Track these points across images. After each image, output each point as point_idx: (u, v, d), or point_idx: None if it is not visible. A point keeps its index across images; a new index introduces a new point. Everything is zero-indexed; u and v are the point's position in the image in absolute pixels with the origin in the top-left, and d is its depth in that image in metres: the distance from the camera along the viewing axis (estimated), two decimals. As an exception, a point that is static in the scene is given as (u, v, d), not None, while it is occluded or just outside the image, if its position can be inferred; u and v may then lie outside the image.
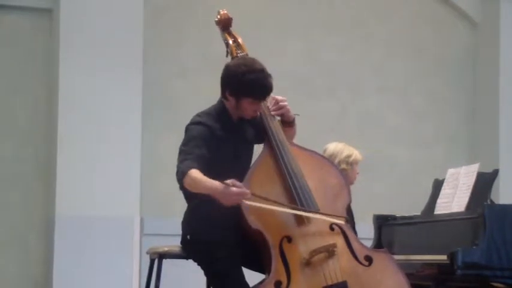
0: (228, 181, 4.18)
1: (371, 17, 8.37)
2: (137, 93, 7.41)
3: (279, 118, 4.70)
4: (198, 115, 4.54)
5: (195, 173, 4.24)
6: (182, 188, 4.33)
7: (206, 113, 4.54)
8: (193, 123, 4.49)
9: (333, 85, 8.21)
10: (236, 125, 4.55)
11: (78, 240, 7.09)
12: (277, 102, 4.65)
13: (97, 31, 7.29)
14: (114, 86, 7.32)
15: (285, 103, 4.66)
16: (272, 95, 4.62)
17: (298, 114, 4.71)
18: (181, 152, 4.39)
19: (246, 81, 4.41)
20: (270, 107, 4.64)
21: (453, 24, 8.61)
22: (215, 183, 4.19)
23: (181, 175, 4.26)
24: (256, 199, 4.25)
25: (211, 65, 7.52)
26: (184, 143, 4.42)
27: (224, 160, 4.42)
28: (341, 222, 4.42)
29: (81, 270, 7.08)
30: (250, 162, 4.57)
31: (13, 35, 7.47)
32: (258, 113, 4.58)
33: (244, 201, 4.22)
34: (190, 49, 7.82)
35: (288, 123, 4.70)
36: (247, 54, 4.77)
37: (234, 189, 4.17)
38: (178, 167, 4.31)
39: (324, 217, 4.39)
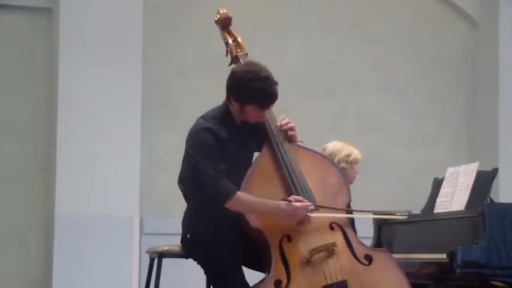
0: (290, 197, 4.29)
1: (371, 17, 8.37)
2: (137, 93, 7.41)
3: None
4: (204, 118, 4.51)
5: (245, 195, 4.32)
6: (221, 206, 4.33)
7: (211, 117, 4.51)
8: (203, 128, 4.45)
9: (333, 85, 8.21)
10: (239, 129, 4.54)
11: (78, 240, 7.10)
12: (288, 122, 4.64)
13: (97, 31, 7.30)
14: (114, 86, 7.32)
15: (294, 131, 4.65)
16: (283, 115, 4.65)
17: (302, 141, 4.70)
18: (203, 164, 4.36)
19: (251, 89, 4.40)
20: (278, 125, 4.62)
21: (453, 23, 8.61)
22: (276, 202, 4.30)
23: (226, 197, 4.30)
24: (320, 211, 4.36)
25: (210, 65, 7.55)
26: (203, 153, 4.39)
27: (226, 162, 4.41)
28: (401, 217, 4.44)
29: (81, 269, 7.08)
30: (249, 166, 4.56)
31: (13, 35, 7.47)
32: (262, 120, 4.58)
33: (309, 214, 4.31)
34: (190, 49, 7.82)
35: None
36: (246, 54, 4.77)
37: (298, 204, 4.28)
38: (215, 186, 4.31)
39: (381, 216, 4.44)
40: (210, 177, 4.32)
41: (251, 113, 4.47)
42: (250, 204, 4.31)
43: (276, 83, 4.46)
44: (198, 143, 4.42)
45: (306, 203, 4.30)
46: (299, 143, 4.67)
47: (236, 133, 4.51)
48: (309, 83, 8.13)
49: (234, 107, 4.49)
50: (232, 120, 4.53)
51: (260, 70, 4.46)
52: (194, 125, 4.50)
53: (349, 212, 4.57)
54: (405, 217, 4.56)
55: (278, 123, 4.63)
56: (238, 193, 4.30)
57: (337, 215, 4.42)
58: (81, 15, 7.28)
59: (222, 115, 4.52)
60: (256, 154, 4.67)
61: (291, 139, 4.62)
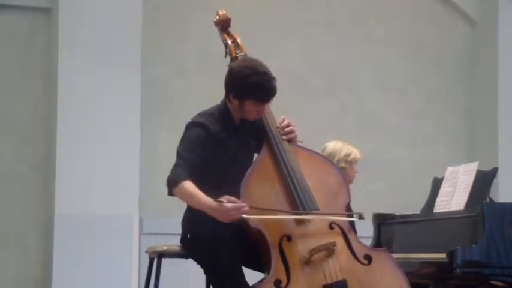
0: (222, 198, 4.20)
1: (370, 17, 8.37)
2: (136, 93, 7.41)
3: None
4: (200, 115, 4.54)
5: (188, 186, 4.28)
6: (170, 194, 4.36)
7: (208, 114, 4.53)
8: (192, 123, 4.49)
9: (332, 84, 8.21)
10: (238, 127, 4.55)
11: (77, 240, 7.09)
12: (288, 125, 4.63)
13: (96, 31, 7.30)
14: (113, 86, 7.32)
15: (295, 133, 4.64)
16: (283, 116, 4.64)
17: (301, 142, 4.70)
18: (177, 153, 4.41)
19: (249, 84, 4.41)
20: (278, 127, 4.61)
21: (452, 23, 8.61)
22: (208, 201, 4.23)
23: (172, 184, 4.32)
24: (254, 210, 4.26)
25: (210, 65, 7.55)
26: (180, 145, 4.44)
27: (223, 162, 4.42)
28: (348, 219, 4.45)
29: (80, 269, 7.08)
30: (249, 165, 4.55)
31: (12, 35, 7.47)
32: (262, 116, 4.58)
33: (243, 215, 4.24)
34: (190, 49, 7.82)
35: None
36: (246, 55, 4.76)
37: (229, 205, 4.20)
38: (170, 173, 4.34)
39: (323, 217, 4.40)
40: (174, 165, 4.35)
41: (250, 109, 4.47)
42: (189, 195, 4.29)
43: (274, 78, 4.47)
44: (184, 135, 4.47)
45: (239, 204, 4.22)
46: (299, 143, 4.67)
47: (235, 132, 4.51)
48: (309, 83, 8.13)
49: (233, 104, 4.49)
50: (231, 119, 4.53)
51: (258, 65, 4.47)
52: (189, 121, 4.54)
53: (295, 213, 4.47)
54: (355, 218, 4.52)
55: (278, 125, 4.62)
56: (185, 182, 4.27)
57: (272, 216, 4.31)
58: (80, 15, 7.28)
59: (220, 113, 4.53)
60: (255, 154, 4.67)
61: (290, 140, 4.62)
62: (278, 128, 4.61)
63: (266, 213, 4.29)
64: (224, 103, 4.55)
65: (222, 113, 4.53)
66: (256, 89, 4.42)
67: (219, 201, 4.19)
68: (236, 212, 4.21)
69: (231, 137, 4.49)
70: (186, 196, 4.31)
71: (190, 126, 4.48)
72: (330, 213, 4.45)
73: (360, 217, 4.46)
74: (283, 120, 4.64)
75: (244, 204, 4.23)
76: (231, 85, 4.49)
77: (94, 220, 7.12)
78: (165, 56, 7.76)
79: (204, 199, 4.25)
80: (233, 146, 4.49)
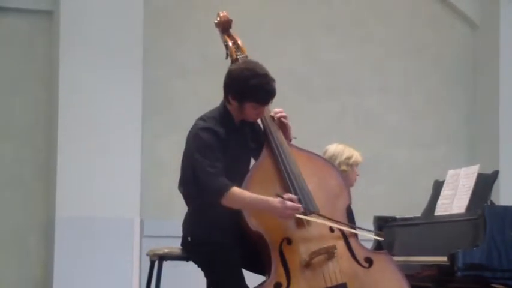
0: (284, 196, 4.27)
1: (370, 17, 8.37)
2: (137, 94, 7.41)
3: None
4: (202, 119, 4.52)
5: (238, 190, 4.31)
6: (217, 202, 4.33)
7: (210, 117, 4.52)
8: (202, 128, 4.46)
9: (333, 85, 8.21)
10: (238, 128, 4.55)
11: (78, 242, 7.09)
12: (283, 116, 4.64)
13: (97, 32, 7.29)
14: (114, 87, 7.32)
15: (287, 120, 4.66)
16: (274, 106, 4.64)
17: (295, 138, 4.71)
18: (201, 162, 4.36)
19: (248, 86, 4.41)
20: (272, 116, 4.63)
21: (453, 24, 8.60)
22: (269, 198, 4.28)
23: (221, 193, 4.30)
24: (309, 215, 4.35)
25: (211, 65, 7.55)
26: (201, 152, 4.39)
27: (226, 163, 4.40)
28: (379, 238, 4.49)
29: (81, 271, 7.08)
30: (248, 166, 4.57)
31: (13, 37, 7.48)
32: (261, 117, 4.58)
33: (296, 215, 4.30)
34: (190, 50, 7.82)
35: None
36: (246, 56, 4.76)
37: (289, 203, 4.26)
38: (210, 183, 4.31)
39: (365, 232, 4.45)
40: (207, 175, 4.33)
41: (250, 111, 4.47)
42: (244, 199, 4.30)
43: (273, 80, 4.47)
44: (197, 143, 4.43)
45: (297, 204, 4.28)
46: (293, 139, 4.67)
47: (235, 133, 4.52)
48: (309, 84, 8.13)
49: (233, 105, 4.49)
50: (231, 119, 4.53)
51: (257, 67, 4.47)
52: (193, 127, 4.52)
53: (351, 220, 4.53)
54: (380, 238, 4.56)
55: (273, 114, 4.63)
56: (234, 188, 4.29)
57: (320, 220, 4.37)
58: (81, 17, 7.28)
59: (221, 115, 4.53)
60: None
61: (284, 128, 4.62)
62: (272, 116, 4.61)
63: (315, 218, 4.36)
64: (223, 105, 4.55)
65: (222, 115, 4.52)
66: (255, 91, 4.42)
67: (281, 197, 4.27)
68: (291, 211, 4.28)
69: (232, 138, 4.50)
70: (240, 200, 4.32)
71: (200, 132, 4.44)
72: (363, 229, 4.48)
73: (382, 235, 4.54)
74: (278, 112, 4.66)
75: (299, 205, 4.29)
76: (230, 87, 4.49)
77: (95, 222, 7.12)
78: (166, 57, 7.76)
79: (264, 197, 4.30)
80: (234, 147, 4.49)
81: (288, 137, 4.67)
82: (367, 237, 5.38)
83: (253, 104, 4.45)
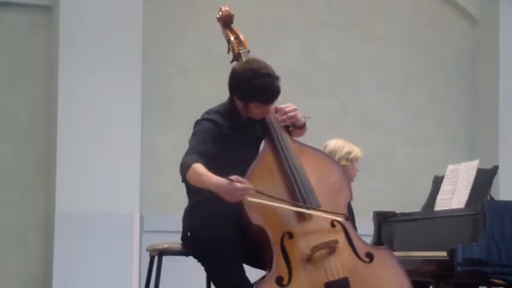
0: (232, 177, 4.18)
1: (370, 16, 8.38)
2: (137, 91, 7.41)
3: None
4: (207, 112, 4.55)
5: (200, 168, 4.25)
6: (184, 180, 4.33)
7: (215, 111, 4.54)
8: (201, 119, 4.50)
9: (332, 83, 8.22)
10: (245, 124, 4.54)
11: (78, 238, 7.10)
12: (284, 112, 4.63)
13: (97, 29, 7.30)
14: (114, 84, 7.32)
15: (293, 112, 4.63)
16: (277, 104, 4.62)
17: (309, 117, 4.69)
18: (189, 145, 4.40)
19: (252, 87, 4.41)
20: (278, 118, 4.62)
21: (453, 22, 8.61)
22: (219, 179, 4.20)
23: (185, 168, 4.27)
24: (259, 196, 4.25)
25: (210, 63, 7.55)
26: (193, 137, 4.44)
27: (230, 158, 4.40)
28: (339, 219, 4.42)
29: (81, 267, 7.08)
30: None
31: (12, 33, 7.47)
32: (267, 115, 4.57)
33: (246, 197, 4.22)
34: (190, 48, 7.83)
35: (299, 127, 4.70)
36: (248, 51, 4.76)
37: (238, 185, 4.17)
38: (183, 159, 4.32)
39: (324, 214, 4.39)
40: (185, 154, 4.34)
41: (255, 110, 4.48)
42: (202, 175, 4.22)
43: (277, 78, 4.47)
44: (195, 130, 4.46)
45: (247, 185, 4.19)
46: (307, 119, 4.65)
47: (241, 128, 4.52)
48: (309, 82, 8.13)
49: (238, 104, 4.51)
50: (238, 115, 4.53)
51: (260, 67, 4.46)
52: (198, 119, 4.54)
53: (296, 205, 4.46)
54: (340, 219, 4.49)
55: (278, 116, 4.61)
56: (197, 164, 4.24)
57: (274, 203, 4.29)
58: (81, 13, 7.28)
59: (227, 111, 4.53)
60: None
61: (296, 124, 4.62)
62: (278, 114, 4.59)
63: (269, 201, 4.27)
64: (231, 101, 4.55)
65: (228, 111, 4.53)
66: (259, 92, 4.42)
67: (229, 179, 4.18)
68: (242, 192, 4.19)
69: (238, 133, 4.50)
70: (196, 176, 4.25)
71: (200, 121, 4.49)
72: (331, 212, 4.43)
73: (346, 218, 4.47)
74: (288, 107, 4.63)
75: (251, 187, 4.21)
76: (234, 87, 4.49)
77: (94, 218, 7.12)
78: (166, 55, 7.76)
79: (215, 177, 4.22)
80: (240, 142, 4.49)
81: (299, 124, 4.66)
82: (368, 232, 5.41)
83: (258, 104, 4.45)
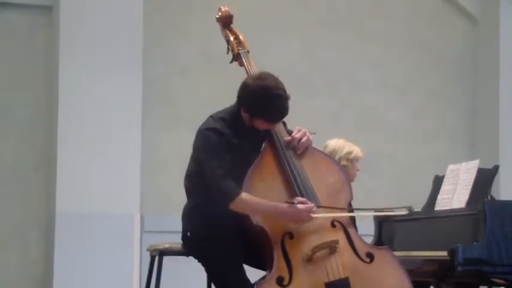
0: (294, 200, 4.26)
1: (370, 15, 8.37)
2: (137, 91, 7.41)
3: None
4: (212, 118, 4.50)
5: (247, 196, 4.29)
6: (226, 208, 4.31)
7: (220, 118, 4.49)
8: (207, 128, 4.44)
9: (332, 82, 8.21)
10: (249, 131, 4.52)
11: (78, 238, 7.09)
12: (299, 141, 4.57)
13: (97, 29, 7.29)
14: (114, 84, 7.32)
15: (305, 138, 4.59)
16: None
17: (314, 133, 4.68)
18: (209, 164, 4.35)
19: (262, 105, 4.38)
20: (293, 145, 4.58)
21: (453, 22, 8.61)
22: (278, 205, 4.28)
23: (231, 198, 4.28)
24: (321, 210, 4.34)
25: (211, 63, 7.55)
26: (207, 153, 4.38)
27: (234, 164, 4.38)
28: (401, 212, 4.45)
29: (81, 267, 7.08)
30: None
31: (13, 33, 7.47)
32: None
33: (312, 215, 4.29)
34: (190, 48, 7.82)
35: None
36: (248, 51, 4.75)
37: (301, 207, 4.25)
38: (219, 187, 4.29)
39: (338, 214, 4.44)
40: (215, 178, 4.31)
41: (260, 125, 4.47)
42: (253, 205, 4.30)
43: (287, 99, 4.42)
44: (203, 143, 4.42)
45: (309, 205, 4.28)
46: (312, 135, 4.66)
47: (245, 135, 4.49)
48: (309, 81, 8.13)
49: (244, 115, 4.48)
50: (243, 122, 4.50)
51: (273, 86, 4.39)
52: (201, 125, 4.50)
53: (351, 210, 4.55)
54: (405, 212, 4.56)
55: (293, 136, 4.58)
56: (243, 194, 4.28)
57: (339, 214, 4.41)
58: (81, 13, 7.28)
59: (232, 117, 4.50)
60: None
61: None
62: (290, 141, 4.55)
63: (333, 211, 4.38)
64: (237, 107, 4.51)
65: (233, 118, 4.49)
66: (267, 112, 4.40)
67: (291, 203, 4.25)
68: (307, 213, 4.26)
69: (242, 140, 4.47)
70: (249, 207, 4.31)
71: (206, 132, 4.43)
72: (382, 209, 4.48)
73: (410, 210, 4.51)
74: (298, 132, 4.59)
75: (313, 205, 4.28)
76: (244, 101, 4.44)
77: (95, 218, 7.12)
78: (166, 55, 7.76)
79: (273, 204, 4.29)
80: (244, 149, 4.47)
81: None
82: (368, 232, 5.41)
83: (264, 121, 4.44)
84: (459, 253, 4.79)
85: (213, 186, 4.33)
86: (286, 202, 4.29)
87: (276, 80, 4.44)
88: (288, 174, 4.45)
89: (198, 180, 4.44)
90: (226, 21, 4.85)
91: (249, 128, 4.51)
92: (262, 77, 4.46)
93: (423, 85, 8.47)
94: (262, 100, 4.37)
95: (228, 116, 4.50)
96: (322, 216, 4.37)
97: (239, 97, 4.47)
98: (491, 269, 4.86)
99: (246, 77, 4.55)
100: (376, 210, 4.62)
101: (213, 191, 4.33)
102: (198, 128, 4.51)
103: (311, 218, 4.29)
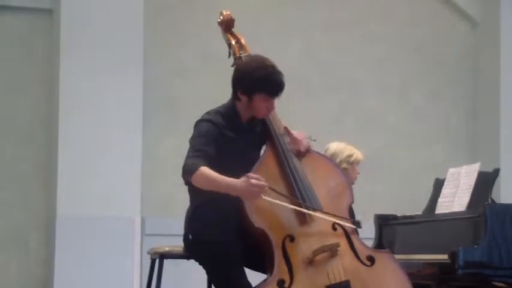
0: (247, 174, 4.19)
1: (371, 17, 8.37)
2: (138, 94, 7.41)
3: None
4: (208, 113, 4.52)
5: (207, 170, 4.24)
6: (188, 183, 4.32)
7: (216, 111, 4.51)
8: (202, 120, 4.48)
9: (333, 84, 8.21)
10: (245, 126, 4.53)
11: (79, 241, 7.09)
12: (299, 142, 4.60)
13: (97, 31, 7.30)
14: (115, 86, 7.33)
15: (305, 141, 4.61)
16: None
17: (314, 140, 4.69)
18: (190, 147, 4.39)
19: (257, 77, 4.40)
20: (289, 142, 4.59)
21: (453, 24, 8.61)
22: (232, 179, 4.21)
23: (190, 172, 4.25)
24: (272, 194, 4.25)
25: (211, 65, 7.55)
26: (193, 139, 4.42)
27: (230, 160, 4.39)
28: (352, 226, 4.44)
29: (82, 270, 7.08)
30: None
31: (13, 36, 7.48)
32: (271, 112, 4.56)
33: (262, 195, 4.21)
34: (191, 49, 7.82)
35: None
36: (249, 55, 4.75)
37: (254, 181, 4.17)
38: (186, 162, 4.30)
39: (337, 220, 4.39)
40: (186, 157, 4.32)
41: (260, 105, 4.45)
42: (212, 177, 4.23)
43: (281, 73, 4.46)
44: (195, 132, 4.45)
45: (263, 182, 4.19)
46: (311, 141, 4.65)
47: (241, 130, 4.50)
48: (309, 83, 8.13)
49: (242, 101, 4.47)
50: (239, 118, 4.51)
51: (264, 60, 4.47)
52: (198, 119, 4.53)
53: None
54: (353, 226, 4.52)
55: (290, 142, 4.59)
56: (202, 167, 4.24)
57: (287, 204, 4.31)
58: (82, 16, 7.28)
59: (227, 112, 4.51)
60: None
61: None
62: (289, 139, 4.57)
63: (281, 199, 4.29)
64: (232, 103, 4.53)
65: (228, 112, 4.51)
66: (264, 82, 4.40)
67: (246, 176, 4.19)
68: (258, 188, 4.18)
69: (238, 136, 4.48)
70: (206, 179, 4.24)
71: (200, 122, 4.47)
72: (338, 216, 4.43)
73: (358, 226, 4.48)
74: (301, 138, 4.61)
75: (266, 184, 4.21)
76: (238, 81, 4.47)
77: (95, 221, 7.12)
78: (167, 56, 7.76)
79: (226, 178, 4.23)
80: (241, 145, 4.48)
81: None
82: (369, 235, 5.41)
83: (263, 95, 4.43)
84: (460, 256, 4.80)
85: (183, 164, 4.30)
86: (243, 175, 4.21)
87: (267, 58, 4.50)
88: (289, 178, 4.45)
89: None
90: (227, 25, 4.85)
91: (246, 123, 4.52)
92: (251, 56, 4.58)
93: (424, 87, 8.47)
94: (257, 71, 4.40)
95: (223, 110, 4.52)
96: (312, 213, 4.35)
97: (234, 80, 4.48)
98: (492, 272, 4.86)
99: (237, 62, 4.59)
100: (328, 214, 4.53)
101: (182, 168, 4.31)
102: None
103: (259, 196, 4.19)
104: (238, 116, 4.51)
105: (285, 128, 4.63)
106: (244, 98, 4.46)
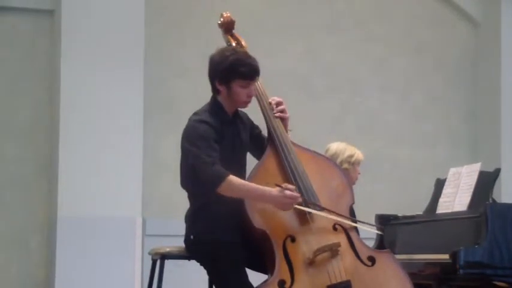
0: (283, 185, 4.27)
1: (372, 16, 8.37)
2: (138, 94, 7.41)
3: None
4: (195, 114, 4.53)
5: (235, 179, 4.29)
6: (214, 192, 4.30)
7: (203, 111, 4.53)
8: (195, 120, 4.46)
9: (333, 85, 8.21)
10: (232, 120, 4.55)
11: (80, 241, 7.09)
12: (279, 103, 4.65)
13: (98, 32, 7.30)
14: (116, 87, 7.33)
15: (286, 112, 4.66)
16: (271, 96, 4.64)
17: (291, 130, 4.71)
18: (196, 153, 4.35)
19: (231, 62, 4.42)
20: (270, 102, 4.65)
21: (454, 24, 8.61)
22: (267, 188, 4.28)
23: (219, 181, 4.26)
24: (310, 206, 4.35)
25: (212, 65, 7.53)
26: (195, 143, 4.38)
27: (222, 154, 4.39)
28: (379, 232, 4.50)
29: (83, 271, 7.08)
30: (245, 158, 4.58)
31: (15, 36, 7.48)
32: (251, 97, 4.56)
33: (296, 206, 4.30)
34: (191, 49, 7.82)
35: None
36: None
37: (288, 192, 4.26)
38: (206, 171, 4.29)
39: (366, 227, 4.45)
40: (203, 164, 4.31)
41: (239, 92, 4.46)
42: (242, 187, 4.29)
43: (253, 58, 4.48)
44: (191, 135, 4.42)
45: (296, 194, 4.28)
46: (289, 131, 4.67)
47: (229, 124, 4.51)
48: (310, 83, 8.13)
49: (223, 93, 4.49)
50: (224, 112, 4.52)
51: (234, 48, 4.55)
52: (188, 122, 4.52)
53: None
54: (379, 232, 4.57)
55: (270, 100, 4.65)
56: (231, 176, 4.27)
57: (321, 213, 4.39)
58: (83, 17, 7.28)
59: (212, 108, 4.52)
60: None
61: (283, 121, 4.64)
62: (270, 104, 4.62)
63: (315, 209, 4.37)
64: (214, 99, 4.55)
65: (214, 109, 4.51)
66: (237, 66, 4.42)
67: (280, 187, 4.26)
68: (292, 200, 4.26)
69: (227, 129, 4.49)
70: (238, 188, 4.29)
71: (195, 124, 4.45)
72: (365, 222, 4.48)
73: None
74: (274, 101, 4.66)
75: (299, 195, 4.29)
76: (214, 71, 4.50)
77: (97, 222, 7.12)
78: (168, 57, 7.76)
79: (260, 187, 4.30)
80: (230, 137, 4.49)
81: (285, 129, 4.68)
82: (369, 235, 5.41)
83: (240, 81, 4.44)
84: (461, 256, 4.79)
85: (202, 174, 4.31)
86: (277, 185, 4.27)
87: (237, 47, 4.58)
88: (290, 178, 4.46)
89: (193, 181, 4.43)
90: (228, 27, 4.86)
91: (232, 116, 4.53)
92: (223, 47, 4.60)
93: (424, 88, 8.47)
94: (230, 57, 4.43)
95: (208, 107, 4.54)
96: (314, 211, 4.36)
97: (210, 71, 4.52)
98: (493, 271, 4.86)
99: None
100: (355, 221, 4.59)
101: (202, 178, 4.32)
102: None
103: (291, 208, 4.29)
104: (222, 109, 4.52)
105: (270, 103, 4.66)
106: (223, 89, 4.47)
